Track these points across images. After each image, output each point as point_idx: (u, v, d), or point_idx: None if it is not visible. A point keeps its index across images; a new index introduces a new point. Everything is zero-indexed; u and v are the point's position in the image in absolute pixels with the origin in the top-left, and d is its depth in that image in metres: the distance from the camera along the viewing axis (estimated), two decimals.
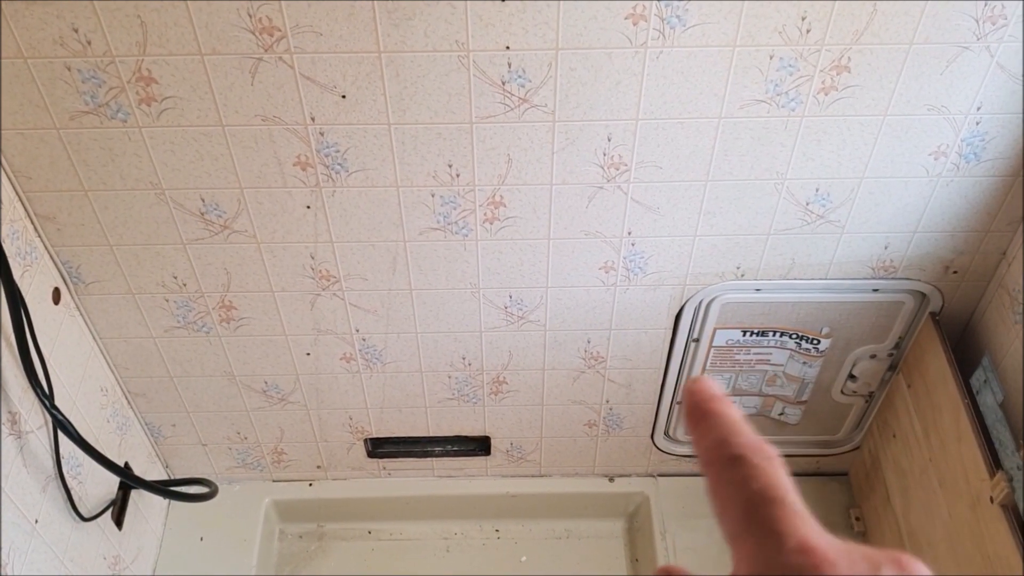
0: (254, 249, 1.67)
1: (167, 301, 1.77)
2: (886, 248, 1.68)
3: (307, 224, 1.62)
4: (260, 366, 1.92)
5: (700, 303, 1.79)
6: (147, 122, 1.45)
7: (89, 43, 1.34)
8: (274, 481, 2.27)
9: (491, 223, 1.62)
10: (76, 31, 1.32)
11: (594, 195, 1.58)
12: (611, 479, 2.28)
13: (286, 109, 1.43)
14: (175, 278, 1.73)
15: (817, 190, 1.57)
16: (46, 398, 1.57)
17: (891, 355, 1.89)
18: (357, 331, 1.83)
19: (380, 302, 1.77)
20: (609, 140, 1.49)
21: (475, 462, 2.22)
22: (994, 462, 1.55)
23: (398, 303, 1.77)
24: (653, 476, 2.27)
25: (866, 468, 2.12)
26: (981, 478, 1.56)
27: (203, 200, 1.58)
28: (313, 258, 1.68)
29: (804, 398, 2.01)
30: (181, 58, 1.36)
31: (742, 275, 1.73)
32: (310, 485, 2.27)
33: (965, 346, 1.81)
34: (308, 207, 1.59)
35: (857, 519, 2.17)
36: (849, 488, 2.26)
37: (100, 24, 1.31)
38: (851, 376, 1.95)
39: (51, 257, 1.67)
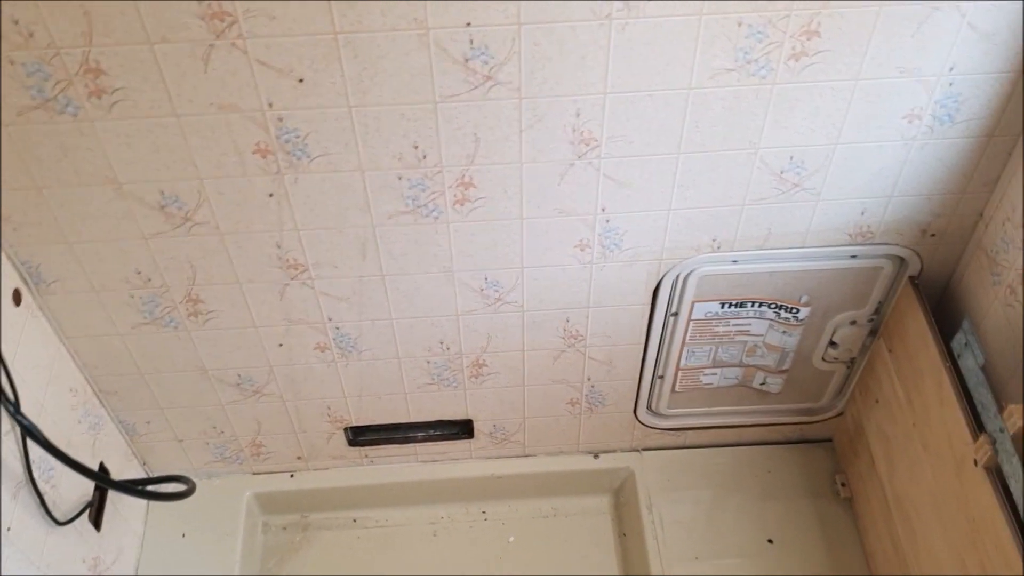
0: (217, 241, 1.62)
1: (132, 297, 1.73)
2: (863, 214, 1.66)
3: (271, 213, 1.57)
4: (232, 359, 1.88)
5: (677, 277, 1.77)
6: (99, 115, 1.40)
7: (31, 35, 1.28)
8: (254, 474, 2.24)
9: (462, 204, 1.58)
10: (16, 23, 1.26)
11: (565, 172, 1.54)
12: (596, 456, 2.27)
13: (242, 96, 1.38)
14: (139, 273, 1.68)
15: (791, 158, 1.55)
16: (11, 404, 1.53)
17: (871, 321, 1.88)
18: (330, 320, 1.80)
19: (352, 289, 1.73)
20: (578, 116, 1.45)
21: (458, 446, 2.20)
22: (977, 425, 1.54)
23: (370, 290, 1.74)
24: (638, 451, 2.26)
25: (850, 434, 2.12)
26: (964, 441, 1.55)
27: (162, 193, 1.53)
28: (279, 247, 1.64)
29: (785, 367, 2.00)
30: (129, 48, 1.30)
31: (718, 247, 1.71)
32: (291, 476, 2.24)
33: (945, 309, 1.79)
34: (271, 195, 1.54)
35: (843, 485, 2.17)
36: (833, 454, 2.25)
37: (41, 15, 1.26)
38: (832, 343, 1.94)
39: (9, 258, 1.62)
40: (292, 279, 1.70)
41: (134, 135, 1.43)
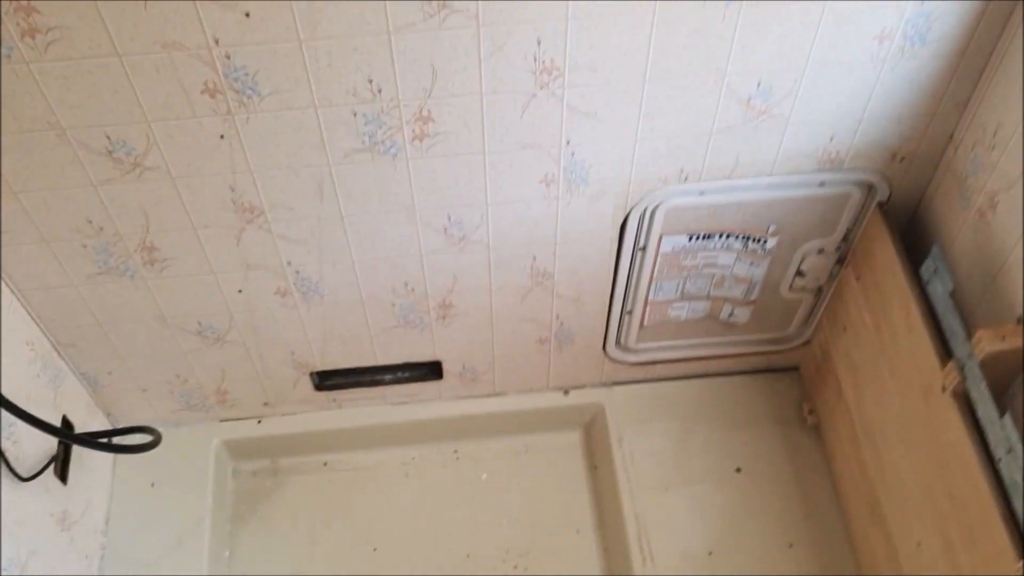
0: (169, 186, 1.56)
1: (84, 247, 1.67)
2: (831, 140, 1.63)
3: (223, 155, 1.51)
4: (191, 307, 1.83)
5: (645, 210, 1.74)
6: (34, 57, 1.32)
7: None
8: (221, 421, 2.21)
9: (420, 140, 1.53)
10: None
11: (528, 104, 1.49)
12: (566, 392, 2.26)
13: (186, 33, 1.31)
14: (90, 222, 1.62)
15: (759, 84, 1.51)
16: None
17: (839, 249, 1.87)
18: (289, 264, 1.75)
19: (310, 232, 1.68)
20: (539, 44, 1.40)
21: (428, 387, 2.18)
22: (945, 351, 1.55)
23: (329, 232, 1.69)
24: (607, 386, 2.26)
25: (817, 362, 2.13)
26: (932, 368, 1.55)
27: (109, 138, 1.46)
28: (233, 190, 1.58)
29: (753, 298, 1.99)
30: None
31: (685, 178, 1.67)
32: (259, 422, 2.22)
33: (914, 235, 1.78)
34: (222, 137, 1.48)
35: (810, 412, 2.19)
36: (801, 382, 2.26)
37: None
38: (799, 272, 1.93)
39: None
40: (248, 223, 1.65)
41: (74, 77, 1.36)
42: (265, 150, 1.51)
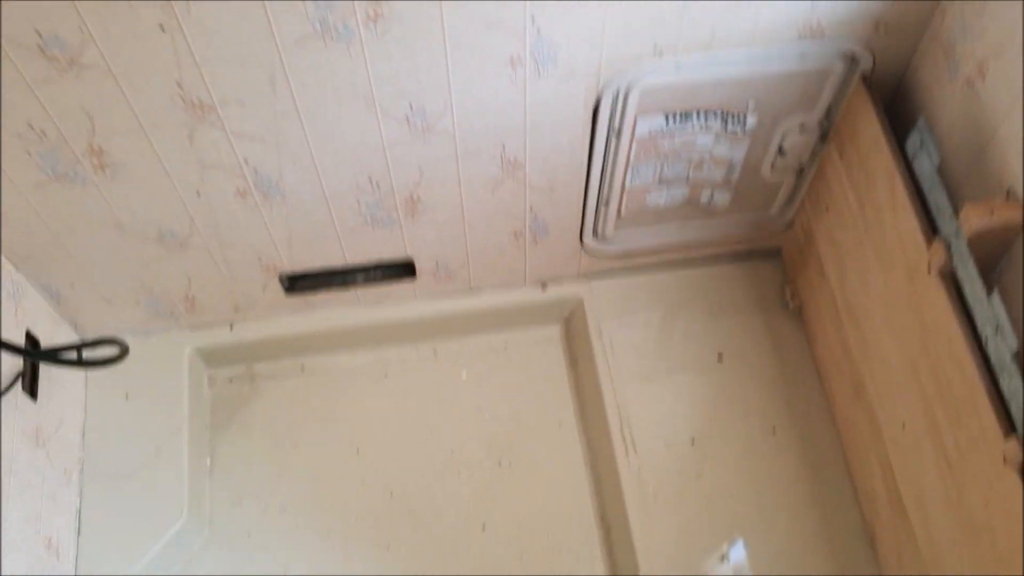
0: (111, 84, 1.46)
1: (29, 154, 1.57)
2: (812, 8, 1.53)
3: (165, 48, 1.40)
4: (149, 212, 1.75)
5: (618, 91, 1.65)
6: None
7: None
8: (192, 328, 2.16)
9: (375, 22, 1.42)
10: None
11: None
12: (544, 286, 2.21)
13: None
14: (31, 127, 1.52)
15: None
16: None
17: (821, 125, 1.79)
18: (246, 162, 1.66)
19: (265, 128, 1.59)
20: None
21: (401, 287, 2.12)
22: (931, 229, 1.50)
23: (286, 126, 1.59)
24: (585, 278, 2.21)
25: (799, 244, 2.08)
26: (918, 247, 1.51)
27: (38, 33, 1.35)
28: (180, 86, 1.48)
29: (733, 180, 1.92)
30: None
31: (660, 53, 1.58)
32: (231, 328, 2.17)
33: (898, 109, 1.71)
34: (162, 28, 1.37)
35: (792, 296, 2.15)
36: (782, 266, 2.22)
37: None
38: (780, 151, 1.86)
39: None
40: (200, 120, 1.55)
41: None
42: (210, 41, 1.41)
